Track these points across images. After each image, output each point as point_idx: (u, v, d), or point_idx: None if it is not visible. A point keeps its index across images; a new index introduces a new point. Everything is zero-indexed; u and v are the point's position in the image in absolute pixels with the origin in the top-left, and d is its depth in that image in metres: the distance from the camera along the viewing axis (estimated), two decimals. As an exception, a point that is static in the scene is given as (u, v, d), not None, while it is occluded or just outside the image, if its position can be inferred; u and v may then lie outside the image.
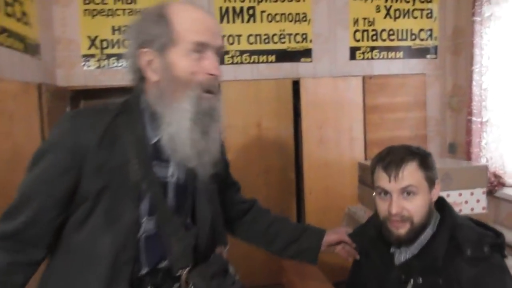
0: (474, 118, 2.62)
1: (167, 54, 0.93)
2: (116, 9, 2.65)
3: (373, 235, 1.25)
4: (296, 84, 2.80)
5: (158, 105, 0.95)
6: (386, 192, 1.15)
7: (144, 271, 0.96)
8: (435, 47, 3.00)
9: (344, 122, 2.81)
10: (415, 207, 1.12)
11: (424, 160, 1.14)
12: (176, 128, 0.93)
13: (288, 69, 2.85)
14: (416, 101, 2.93)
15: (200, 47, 0.94)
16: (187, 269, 0.98)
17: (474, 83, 2.62)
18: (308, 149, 2.76)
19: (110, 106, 0.98)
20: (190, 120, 0.92)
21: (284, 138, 2.78)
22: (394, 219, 1.13)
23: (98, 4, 2.63)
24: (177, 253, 0.97)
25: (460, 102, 2.90)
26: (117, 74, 2.66)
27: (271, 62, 2.83)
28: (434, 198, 1.16)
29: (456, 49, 2.95)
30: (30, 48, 2.21)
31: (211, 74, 0.95)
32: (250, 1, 2.78)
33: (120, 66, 2.66)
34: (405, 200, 1.12)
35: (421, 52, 2.99)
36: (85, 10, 2.63)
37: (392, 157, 1.14)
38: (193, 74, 0.93)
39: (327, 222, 2.73)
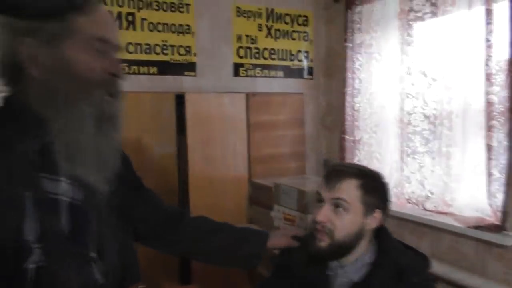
0: (347, 137, 2.82)
1: (60, 46, 0.79)
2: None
3: (306, 251, 1.20)
4: (179, 98, 2.66)
5: (43, 107, 0.79)
6: (320, 200, 1.15)
7: None
8: (311, 68, 3.17)
9: (229, 139, 2.76)
10: (341, 223, 1.11)
11: (368, 183, 1.13)
12: (74, 135, 0.79)
13: (171, 82, 2.69)
14: (295, 119, 3.04)
15: (102, 44, 0.83)
16: None
17: (346, 104, 2.82)
18: (194, 166, 2.63)
19: None
20: (92, 126, 0.81)
21: (167, 155, 2.60)
22: (317, 227, 1.13)
23: None
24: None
25: (333, 121, 3.11)
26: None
27: (152, 74, 2.64)
28: (370, 225, 1.16)
29: (330, 71, 3.16)
30: None
31: (113, 75, 0.84)
32: (129, 7, 2.56)
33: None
34: (334, 213, 1.12)
35: (298, 72, 3.12)
36: None
37: (338, 169, 1.16)
38: (93, 72, 0.82)
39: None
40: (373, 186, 1.16)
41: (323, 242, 1.12)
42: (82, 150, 0.80)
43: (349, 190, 1.12)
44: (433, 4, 2.21)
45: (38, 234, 0.74)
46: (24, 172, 0.75)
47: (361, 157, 2.74)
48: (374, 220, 1.16)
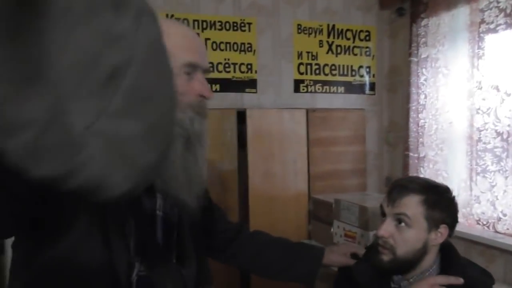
0: (411, 154, 2.73)
1: None
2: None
3: (370, 264, 1.18)
4: (240, 115, 2.71)
5: None
6: (383, 214, 1.14)
7: None
8: (373, 84, 3.11)
9: (289, 155, 2.76)
10: (402, 239, 1.09)
11: (431, 198, 1.10)
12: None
13: (232, 99, 2.76)
14: (356, 135, 2.99)
15: (191, 68, 0.85)
16: None
17: (410, 120, 2.74)
18: (254, 182, 2.66)
19: None
20: (182, 144, 0.84)
21: (228, 171, 2.66)
22: (379, 242, 1.12)
23: None
24: None
25: (396, 137, 3.02)
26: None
27: (215, 91, 2.73)
28: (435, 241, 1.12)
29: (393, 86, 3.08)
30: None
31: (202, 96, 0.88)
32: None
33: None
34: (396, 228, 1.10)
35: (360, 88, 3.08)
36: None
37: (401, 184, 1.14)
38: (183, 95, 0.84)
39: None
40: (438, 200, 1.12)
41: (386, 257, 1.11)
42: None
43: (412, 205, 1.09)
44: (508, 15, 2.10)
45: (137, 247, 0.81)
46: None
47: (426, 175, 2.62)
48: (439, 235, 1.12)
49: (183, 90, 0.84)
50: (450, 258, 1.14)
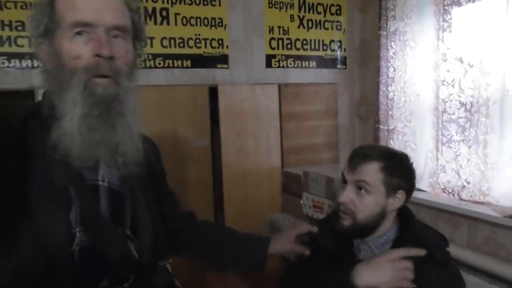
0: (381, 126, 2.79)
1: (53, 40, 0.83)
2: (6, 2, 2.32)
3: (332, 228, 1.23)
4: (212, 91, 2.71)
5: (54, 98, 0.84)
6: (344, 181, 1.19)
7: None
8: (344, 58, 3.13)
9: (262, 130, 2.79)
10: (362, 205, 1.14)
11: (390, 165, 1.14)
12: (67, 123, 0.81)
13: (204, 75, 2.75)
14: (328, 109, 3.03)
15: (83, 28, 0.81)
16: (129, 282, 0.87)
17: (380, 93, 2.78)
18: (227, 158, 2.69)
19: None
20: (80, 113, 0.80)
21: (201, 147, 2.67)
22: (340, 208, 1.17)
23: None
24: (116, 265, 0.85)
25: (367, 111, 3.07)
26: (7, 76, 2.32)
27: (186, 67, 2.71)
28: (393, 206, 1.17)
29: (363, 60, 3.12)
30: None
31: (99, 56, 0.81)
32: (163, 2, 2.63)
33: (12, 67, 2.34)
34: (356, 195, 1.15)
35: (331, 62, 3.10)
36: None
37: (361, 152, 1.18)
38: (77, 58, 0.81)
39: (248, 231, 2.70)
40: (396, 167, 1.17)
41: (346, 222, 1.16)
42: (72, 138, 0.81)
43: (371, 172, 1.14)
44: (471, -12, 2.13)
45: (79, 218, 0.81)
46: (65, 168, 0.82)
47: (395, 147, 2.69)
48: (397, 200, 1.17)
49: (78, 54, 0.81)
50: (407, 222, 1.20)
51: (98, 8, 0.83)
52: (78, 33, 0.81)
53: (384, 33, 2.74)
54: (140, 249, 0.91)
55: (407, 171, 1.20)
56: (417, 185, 2.48)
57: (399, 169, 1.18)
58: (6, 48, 2.32)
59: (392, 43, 2.70)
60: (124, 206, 0.91)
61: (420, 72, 2.50)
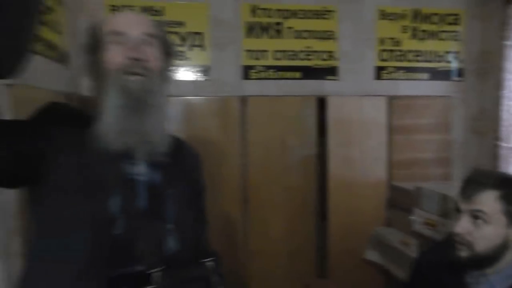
0: (502, 144, 2.59)
1: (100, 52, 0.99)
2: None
3: (446, 257, 1.19)
4: (320, 102, 2.77)
5: (99, 99, 0.99)
6: (459, 211, 1.14)
7: (117, 272, 0.92)
8: (461, 70, 2.98)
9: (369, 142, 2.77)
10: (481, 236, 1.09)
11: (509, 193, 1.09)
12: (105, 115, 0.96)
13: (313, 86, 2.82)
14: (441, 123, 2.90)
15: (117, 37, 0.98)
16: (159, 270, 0.94)
17: (502, 107, 2.60)
18: (334, 168, 2.71)
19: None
20: (115, 104, 0.95)
21: (308, 156, 2.73)
22: (456, 239, 1.13)
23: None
24: (145, 253, 0.95)
25: (486, 126, 2.87)
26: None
27: (296, 78, 2.80)
28: None
29: (483, 72, 2.92)
30: (61, 57, 2.19)
31: (131, 58, 0.97)
32: (277, 17, 2.76)
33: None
34: (473, 225, 1.10)
35: (446, 74, 2.97)
36: (113, 20, 2.61)
37: (476, 179, 1.13)
38: (113, 62, 0.97)
39: (350, 244, 2.69)
40: None
41: (464, 252, 1.11)
42: (110, 125, 0.95)
43: (489, 201, 1.09)
44: None
45: (120, 207, 0.93)
46: (115, 164, 0.96)
47: (518, 166, 2.49)
48: None
49: (114, 58, 0.97)
50: None
51: (129, 22, 1.02)
52: (113, 42, 0.98)
53: (509, 43, 2.56)
54: (181, 242, 1.00)
55: None
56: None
57: None
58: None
59: (518, 54, 2.51)
60: (165, 202, 1.01)
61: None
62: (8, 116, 1.55)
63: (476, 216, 1.10)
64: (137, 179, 0.99)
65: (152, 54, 1.01)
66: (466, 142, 3.00)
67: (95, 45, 1.00)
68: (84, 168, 0.93)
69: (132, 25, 1.01)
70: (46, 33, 1.98)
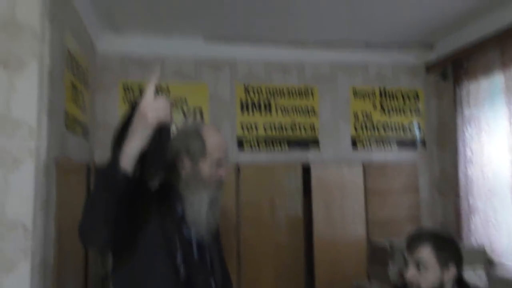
0: (462, 203, 3.02)
1: (198, 162, 1.35)
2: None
3: None
4: (305, 168, 3.16)
5: (184, 191, 1.36)
6: (406, 261, 1.52)
7: None
8: (423, 140, 3.47)
9: (349, 203, 3.14)
10: (424, 280, 1.47)
11: (439, 243, 1.49)
12: (198, 209, 1.34)
13: (298, 155, 3.23)
14: (409, 186, 3.32)
15: (219, 161, 1.37)
16: None
17: (460, 172, 3.05)
18: (318, 227, 3.05)
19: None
20: (207, 204, 1.35)
21: (294, 216, 3.07)
22: (408, 282, 1.50)
23: (136, 94, 3.01)
24: None
25: (448, 188, 3.31)
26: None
27: (283, 148, 3.21)
28: (448, 277, 1.47)
29: (442, 141, 3.42)
30: (84, 132, 2.52)
31: (221, 176, 1.39)
32: (267, 96, 3.22)
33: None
34: (417, 271, 1.48)
35: (411, 144, 3.45)
36: (125, 98, 3.00)
37: (416, 235, 1.54)
38: (211, 177, 1.36)
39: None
40: (444, 245, 1.49)
41: None
42: (200, 217, 1.34)
43: (425, 251, 1.47)
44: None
45: (182, 257, 1.31)
46: (177, 225, 1.33)
47: (476, 223, 2.89)
48: (450, 273, 1.47)
49: (213, 173, 1.36)
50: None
51: (226, 149, 1.43)
52: (215, 163, 1.36)
53: (460, 118, 3.07)
54: (215, 282, 1.39)
55: (454, 246, 1.52)
56: (502, 259, 2.65)
57: (447, 246, 1.50)
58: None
59: (468, 127, 3.01)
60: (206, 255, 1.40)
61: (496, 154, 2.76)
62: (53, 183, 1.85)
63: (418, 264, 1.48)
64: (191, 239, 1.36)
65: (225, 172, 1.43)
66: (432, 202, 3.42)
67: (197, 156, 1.36)
68: (164, 228, 1.30)
69: (227, 153, 1.42)
70: (76, 112, 2.33)
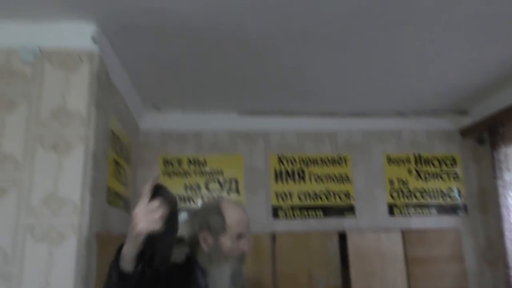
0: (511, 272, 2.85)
1: (219, 236, 1.44)
2: (188, 172, 3.19)
3: None
4: (341, 237, 3.12)
5: (206, 265, 1.43)
6: None
7: None
8: (464, 205, 3.36)
9: (389, 273, 3.04)
10: None
11: None
12: (220, 283, 1.39)
13: (333, 223, 3.22)
14: (453, 254, 3.18)
15: (239, 234, 1.45)
16: None
17: (506, 239, 2.91)
18: (357, 299, 2.96)
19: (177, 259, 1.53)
20: (229, 278, 1.40)
21: (332, 286, 2.99)
22: None
23: (175, 167, 3.18)
24: None
25: (495, 256, 3.15)
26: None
27: (319, 216, 3.22)
28: None
29: (484, 206, 3.31)
30: (126, 205, 2.68)
31: (244, 250, 1.46)
32: (300, 165, 3.30)
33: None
34: None
35: (452, 209, 3.35)
36: (164, 172, 3.18)
37: None
38: (232, 251, 1.43)
39: None
40: None
41: None
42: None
43: None
44: None
45: None
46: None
47: (528, 294, 2.71)
48: None
49: (234, 247, 1.43)
50: None
51: (247, 222, 1.49)
52: (236, 237, 1.44)
53: (501, 182, 2.99)
54: None
55: None
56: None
57: None
58: (186, 205, 3.11)
59: (510, 192, 2.92)
60: None
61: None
62: (94, 256, 1.97)
63: None
64: None
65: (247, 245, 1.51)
66: (480, 271, 3.24)
67: (217, 231, 1.45)
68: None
69: (248, 226, 1.50)
70: (118, 187, 2.50)
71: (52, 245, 1.79)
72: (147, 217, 1.12)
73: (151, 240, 1.15)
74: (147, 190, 1.16)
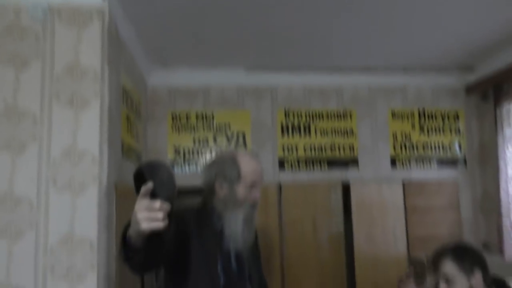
0: (504, 220, 3.00)
1: (234, 185, 1.55)
2: (197, 126, 3.29)
3: None
4: (345, 187, 3.26)
5: (222, 210, 1.55)
6: (437, 281, 1.60)
7: None
8: (465, 158, 3.47)
9: (389, 222, 3.21)
10: None
11: (458, 252, 1.55)
12: (234, 225, 1.53)
13: (338, 175, 3.35)
14: (450, 204, 3.33)
15: (253, 184, 1.57)
16: None
17: (501, 190, 3.04)
18: (359, 245, 3.14)
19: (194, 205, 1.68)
20: (242, 221, 1.54)
21: (336, 234, 3.18)
22: None
23: (183, 122, 3.28)
24: None
25: (490, 206, 3.29)
26: (194, 177, 3.19)
27: (323, 168, 3.34)
28: (477, 282, 1.53)
29: (483, 160, 3.41)
30: (138, 158, 2.80)
31: (256, 198, 1.59)
32: (306, 119, 3.38)
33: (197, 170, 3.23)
34: (448, 285, 1.55)
35: (452, 162, 3.46)
36: (173, 126, 3.28)
37: (437, 251, 1.62)
38: (246, 198, 1.56)
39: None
40: (463, 253, 1.55)
41: None
42: (237, 233, 1.53)
43: (447, 266, 1.54)
44: None
45: (222, 267, 1.50)
46: (217, 240, 1.53)
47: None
48: (477, 277, 1.52)
49: (247, 195, 1.56)
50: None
51: (260, 173, 1.61)
52: (249, 185, 1.56)
53: (501, 138, 3.08)
54: (252, 287, 1.58)
55: (471, 251, 1.57)
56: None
57: (465, 253, 1.55)
58: (195, 157, 3.24)
59: (509, 146, 3.01)
60: (244, 264, 1.58)
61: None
62: (113, 205, 2.11)
63: (445, 279, 1.55)
64: (230, 251, 1.56)
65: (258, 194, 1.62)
66: (474, 220, 3.40)
67: (233, 181, 1.55)
68: (205, 244, 1.52)
69: (261, 176, 1.61)
70: (130, 141, 2.61)
71: (74, 194, 1.92)
72: (150, 215, 1.09)
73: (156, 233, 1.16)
74: (145, 194, 1.12)
